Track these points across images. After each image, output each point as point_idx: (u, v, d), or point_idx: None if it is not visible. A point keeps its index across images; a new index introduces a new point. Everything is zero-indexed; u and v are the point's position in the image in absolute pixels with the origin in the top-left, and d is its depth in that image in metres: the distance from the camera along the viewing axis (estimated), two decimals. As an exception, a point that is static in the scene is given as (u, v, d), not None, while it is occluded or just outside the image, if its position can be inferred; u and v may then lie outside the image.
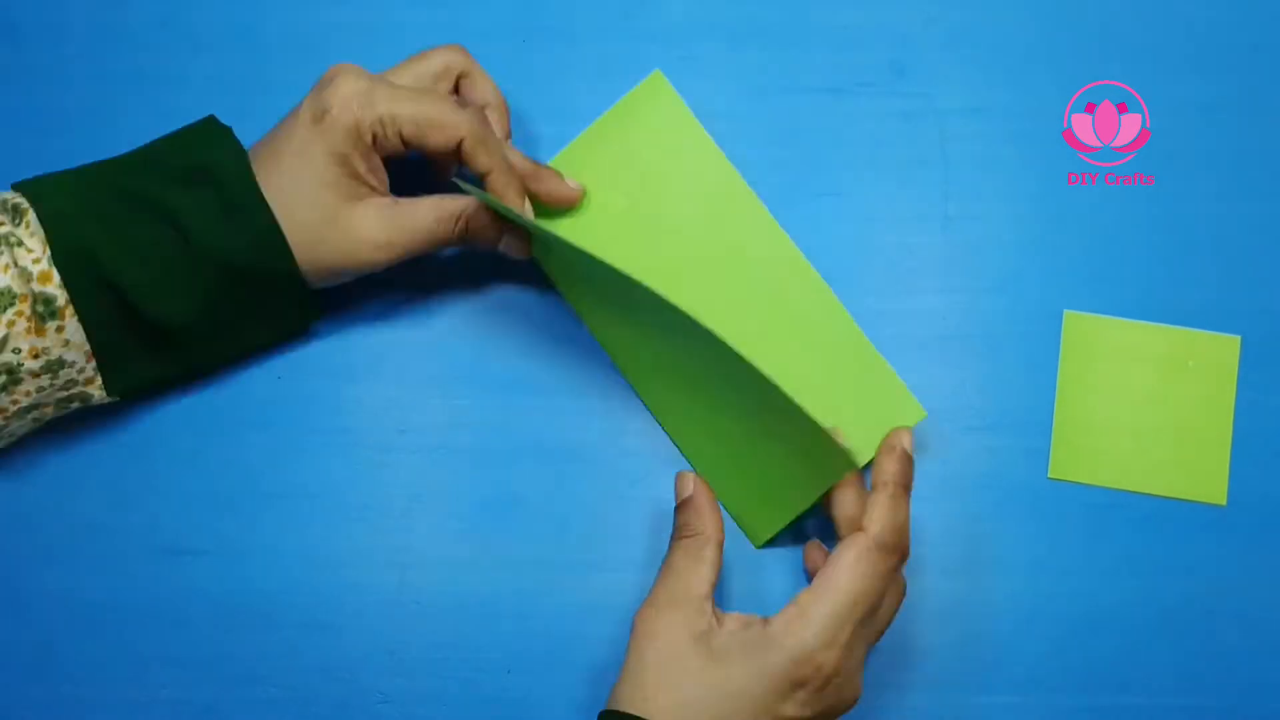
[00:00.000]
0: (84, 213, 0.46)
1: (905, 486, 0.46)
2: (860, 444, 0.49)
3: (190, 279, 0.47)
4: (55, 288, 0.45)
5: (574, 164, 0.54)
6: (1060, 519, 0.52)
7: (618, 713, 0.43)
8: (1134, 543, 0.52)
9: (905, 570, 0.50)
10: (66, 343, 0.46)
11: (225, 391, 0.53)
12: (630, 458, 0.53)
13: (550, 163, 0.54)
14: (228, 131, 0.49)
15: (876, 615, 0.45)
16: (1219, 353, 0.53)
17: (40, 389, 0.47)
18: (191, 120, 0.49)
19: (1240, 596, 0.51)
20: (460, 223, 0.49)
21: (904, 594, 0.47)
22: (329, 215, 0.47)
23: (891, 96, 0.56)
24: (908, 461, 0.46)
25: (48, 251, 0.45)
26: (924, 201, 0.55)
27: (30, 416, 0.48)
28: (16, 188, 0.48)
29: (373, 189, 0.48)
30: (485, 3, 0.57)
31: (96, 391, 0.48)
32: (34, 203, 0.46)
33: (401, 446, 0.53)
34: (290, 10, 0.56)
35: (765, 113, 0.55)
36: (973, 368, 0.52)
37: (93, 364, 0.47)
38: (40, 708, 0.50)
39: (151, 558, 0.52)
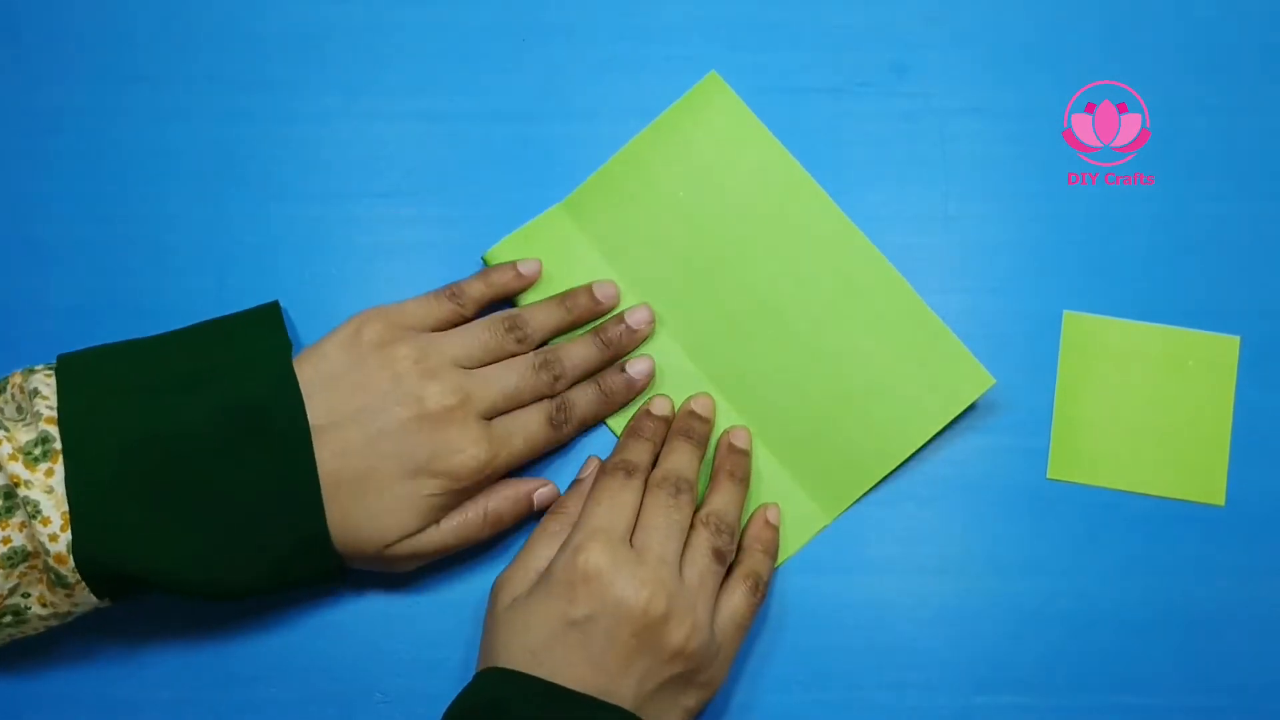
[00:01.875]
0: (114, 489, 0.43)
1: (684, 434, 0.51)
2: (933, 413, 0.52)
3: (228, 577, 0.45)
4: (69, 571, 0.43)
5: (632, 164, 0.54)
6: (1059, 519, 0.52)
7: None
8: (1133, 543, 0.52)
9: (903, 570, 0.51)
10: (76, 604, 0.45)
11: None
12: (630, 458, 0.53)
13: (606, 166, 0.54)
14: (287, 371, 0.46)
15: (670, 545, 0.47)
16: (1218, 353, 0.53)
17: (48, 626, 0.46)
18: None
19: (1239, 596, 0.52)
20: (488, 526, 0.49)
21: (728, 561, 0.49)
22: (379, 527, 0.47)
23: (891, 96, 0.56)
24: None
25: (67, 535, 0.42)
26: (924, 201, 0.55)
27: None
28: (58, 372, 0.44)
29: None
30: (485, 2, 0.56)
31: (105, 603, 0.47)
32: (64, 440, 0.42)
33: (401, 446, 0.53)
34: (290, 10, 0.56)
35: (765, 113, 0.55)
36: (972, 368, 0.53)
37: (105, 602, 0.46)
38: (40, 707, 0.50)
39: (152, 557, 0.52)
